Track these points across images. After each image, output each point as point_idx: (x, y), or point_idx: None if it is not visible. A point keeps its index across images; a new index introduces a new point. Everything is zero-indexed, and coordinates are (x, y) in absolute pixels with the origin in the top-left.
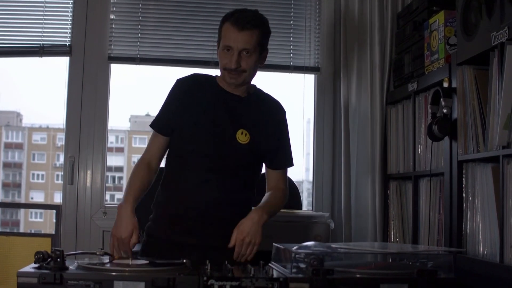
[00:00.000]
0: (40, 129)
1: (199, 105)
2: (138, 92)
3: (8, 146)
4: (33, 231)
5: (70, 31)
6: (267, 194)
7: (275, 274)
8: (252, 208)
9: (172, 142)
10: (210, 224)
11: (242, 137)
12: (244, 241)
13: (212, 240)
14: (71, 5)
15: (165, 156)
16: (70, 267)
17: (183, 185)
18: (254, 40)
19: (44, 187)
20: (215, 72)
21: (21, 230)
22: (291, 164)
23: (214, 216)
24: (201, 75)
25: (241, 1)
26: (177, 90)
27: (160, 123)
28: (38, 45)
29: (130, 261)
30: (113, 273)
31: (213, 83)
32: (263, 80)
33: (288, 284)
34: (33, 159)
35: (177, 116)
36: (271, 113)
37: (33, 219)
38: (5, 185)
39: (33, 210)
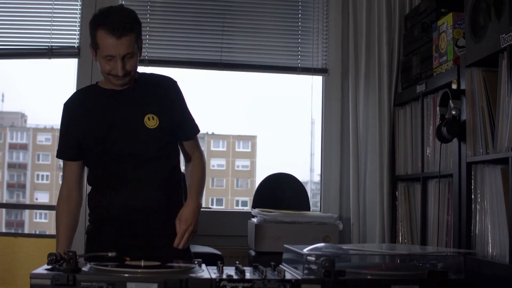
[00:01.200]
0: (44, 129)
1: (96, 115)
2: None
3: (13, 146)
4: (37, 232)
5: (78, 32)
6: (191, 171)
7: (287, 276)
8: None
9: (89, 157)
10: (150, 224)
11: (151, 122)
12: (188, 230)
13: (155, 240)
14: (80, 7)
15: (88, 169)
16: (83, 268)
17: (114, 188)
18: (133, 42)
19: (49, 188)
20: (223, 74)
21: (26, 230)
22: (196, 131)
23: (153, 214)
24: (84, 88)
25: (247, 3)
26: (67, 113)
27: (66, 152)
28: (47, 47)
29: (142, 263)
30: (126, 275)
31: (98, 89)
32: (271, 82)
33: (300, 286)
34: (38, 159)
35: (79, 136)
36: (164, 89)
37: (38, 220)
38: (9, 186)
39: (38, 211)
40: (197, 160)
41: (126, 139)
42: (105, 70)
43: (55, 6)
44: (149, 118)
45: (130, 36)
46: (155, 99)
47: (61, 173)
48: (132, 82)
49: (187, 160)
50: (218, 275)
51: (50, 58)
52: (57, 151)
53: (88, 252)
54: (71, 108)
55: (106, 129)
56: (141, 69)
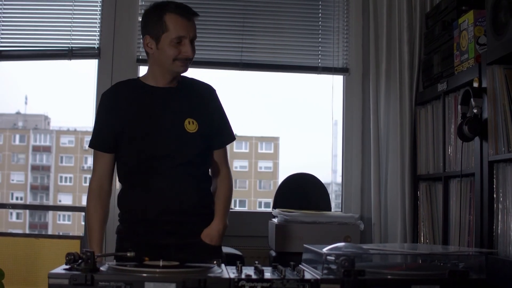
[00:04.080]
0: (68, 132)
1: (137, 110)
2: None
3: (36, 149)
4: (61, 234)
5: (98, 33)
6: (219, 190)
7: (306, 275)
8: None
9: (124, 152)
10: (186, 223)
11: (191, 126)
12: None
13: (184, 237)
14: (100, 8)
15: (119, 165)
16: (101, 268)
17: (150, 189)
18: (195, 27)
19: (72, 190)
20: (243, 74)
21: (49, 232)
22: (232, 139)
23: (188, 214)
24: (124, 81)
25: (267, 2)
26: (107, 102)
27: (101, 142)
28: (67, 48)
29: (161, 263)
30: (144, 275)
31: (141, 84)
32: (293, 82)
33: (320, 285)
34: (61, 162)
35: (118, 129)
36: (205, 96)
37: (61, 222)
38: (33, 188)
39: (61, 213)
40: (226, 177)
41: (165, 140)
42: (171, 54)
43: (75, 7)
44: (189, 122)
45: (195, 20)
46: (195, 104)
47: (84, 175)
48: (176, 82)
49: (214, 173)
50: (236, 275)
51: (70, 59)
52: (91, 141)
53: (119, 251)
54: (110, 98)
55: (146, 126)
56: None
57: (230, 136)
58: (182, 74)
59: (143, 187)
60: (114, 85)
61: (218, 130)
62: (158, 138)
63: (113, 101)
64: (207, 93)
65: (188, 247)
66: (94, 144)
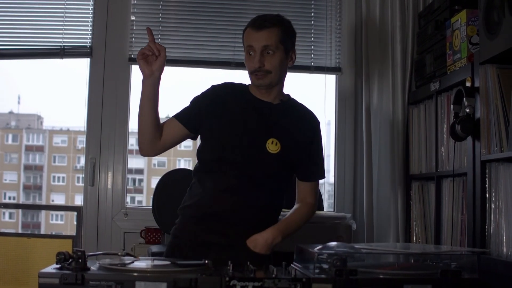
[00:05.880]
0: (60, 131)
1: (230, 112)
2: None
3: (29, 148)
4: (54, 233)
5: (90, 32)
6: (293, 210)
7: (297, 275)
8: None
9: (202, 148)
10: (234, 224)
11: (273, 146)
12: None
13: (234, 239)
14: (92, 7)
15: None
16: (92, 267)
17: (209, 190)
18: (274, 37)
19: (65, 189)
20: (235, 73)
21: (42, 232)
22: (322, 177)
23: (238, 217)
24: (235, 83)
25: (263, 2)
26: (210, 94)
27: (184, 115)
28: (59, 47)
29: (152, 262)
30: (135, 274)
31: (245, 91)
32: (285, 81)
33: (311, 285)
34: (54, 161)
35: (204, 118)
36: (304, 122)
37: (54, 221)
38: (26, 188)
39: (54, 212)
40: (305, 208)
41: (241, 151)
42: (248, 68)
43: (67, 6)
44: (272, 142)
45: (270, 30)
46: (289, 128)
47: (77, 175)
48: (276, 98)
49: (297, 202)
50: (228, 274)
51: (62, 58)
52: (178, 113)
53: (169, 249)
54: (214, 92)
55: (230, 131)
56: None
57: (319, 173)
58: (292, 97)
59: (200, 186)
60: (226, 82)
61: (310, 164)
62: (233, 146)
63: (217, 96)
64: (311, 124)
65: (233, 248)
66: (178, 114)
